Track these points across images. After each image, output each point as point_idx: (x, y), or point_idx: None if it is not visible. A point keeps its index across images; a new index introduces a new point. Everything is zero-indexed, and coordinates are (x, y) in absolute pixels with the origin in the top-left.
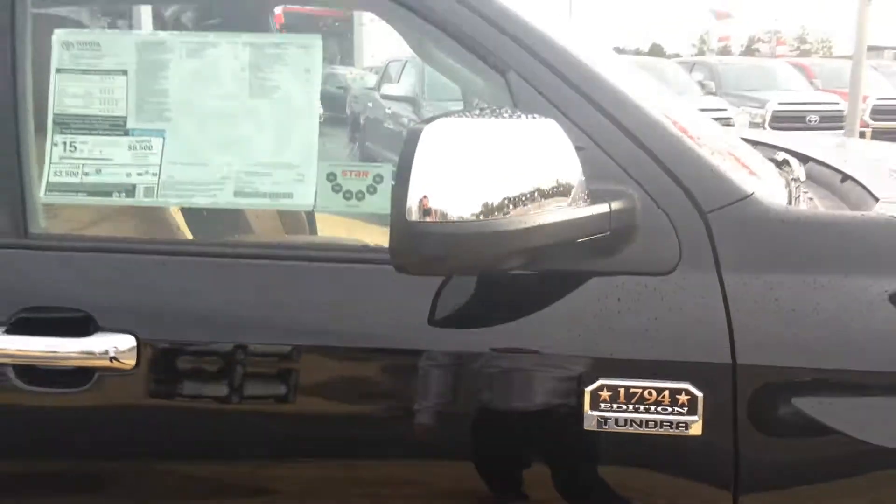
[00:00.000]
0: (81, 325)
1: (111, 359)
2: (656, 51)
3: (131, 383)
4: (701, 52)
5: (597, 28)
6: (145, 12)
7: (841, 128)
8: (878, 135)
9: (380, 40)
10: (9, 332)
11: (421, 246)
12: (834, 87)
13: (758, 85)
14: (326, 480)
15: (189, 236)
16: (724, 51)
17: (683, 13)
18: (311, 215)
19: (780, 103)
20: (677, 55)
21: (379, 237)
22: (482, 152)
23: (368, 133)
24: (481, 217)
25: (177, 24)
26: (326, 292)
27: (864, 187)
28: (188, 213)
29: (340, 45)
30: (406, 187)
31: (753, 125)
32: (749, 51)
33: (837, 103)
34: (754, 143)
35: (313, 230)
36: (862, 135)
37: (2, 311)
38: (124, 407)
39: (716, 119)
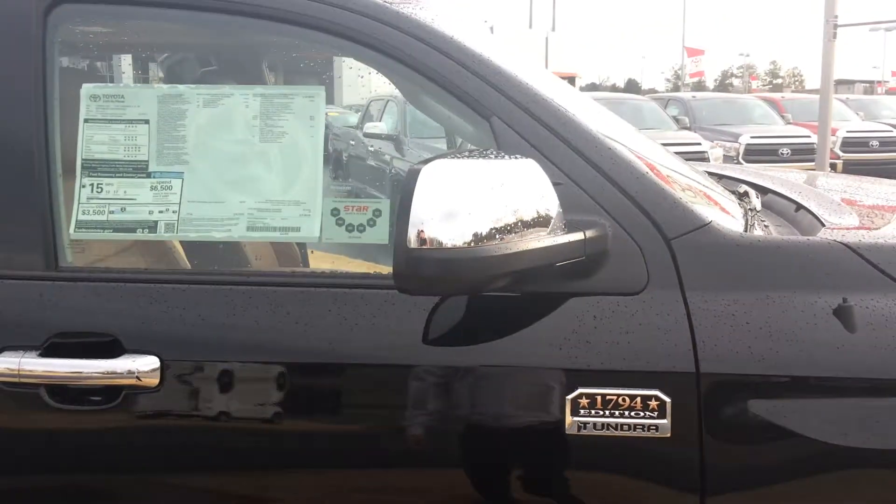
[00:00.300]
0: (109, 348)
1: (136, 378)
2: (632, 86)
3: (155, 401)
4: (676, 88)
5: (574, 65)
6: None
7: (812, 160)
8: (849, 166)
9: (361, 79)
10: (42, 355)
11: (419, 269)
12: (805, 120)
13: (731, 119)
14: (333, 488)
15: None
16: (699, 86)
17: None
18: (303, 249)
19: (752, 137)
20: (653, 90)
21: (376, 267)
22: (471, 189)
23: (351, 171)
24: (472, 244)
25: (176, 71)
26: (332, 315)
27: (815, 215)
28: (189, 247)
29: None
30: (407, 219)
31: (728, 158)
32: (723, 85)
33: (808, 136)
34: (719, 177)
35: (305, 262)
36: (833, 167)
37: (35, 336)
38: (149, 423)
39: (690, 153)
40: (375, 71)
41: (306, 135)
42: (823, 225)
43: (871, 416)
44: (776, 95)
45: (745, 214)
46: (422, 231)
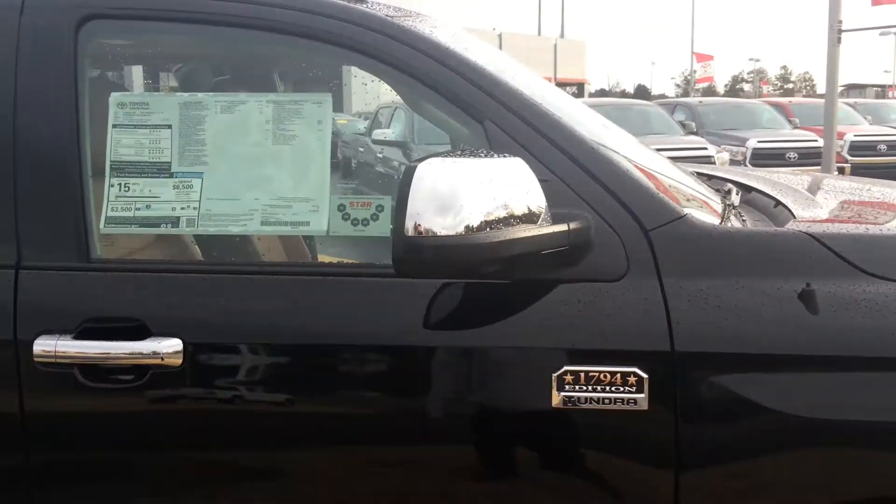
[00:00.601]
0: (136, 332)
1: (161, 358)
2: (642, 92)
3: (179, 379)
4: (685, 93)
5: (583, 71)
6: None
7: (819, 164)
8: (857, 170)
9: (367, 87)
10: (75, 338)
11: (416, 255)
12: (813, 125)
13: (738, 124)
14: (341, 461)
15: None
16: (709, 91)
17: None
18: (310, 244)
19: (759, 141)
20: (663, 95)
21: (381, 258)
22: (463, 184)
23: (360, 176)
24: (463, 233)
25: (189, 80)
26: (338, 301)
27: (789, 210)
28: (206, 241)
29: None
30: (405, 211)
31: (735, 163)
32: (733, 90)
33: (815, 140)
34: (709, 177)
35: (313, 255)
36: (841, 170)
37: (70, 321)
38: (173, 399)
39: (696, 157)
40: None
41: (315, 137)
42: (794, 218)
43: (832, 390)
44: (784, 100)
45: (724, 209)
46: (418, 222)
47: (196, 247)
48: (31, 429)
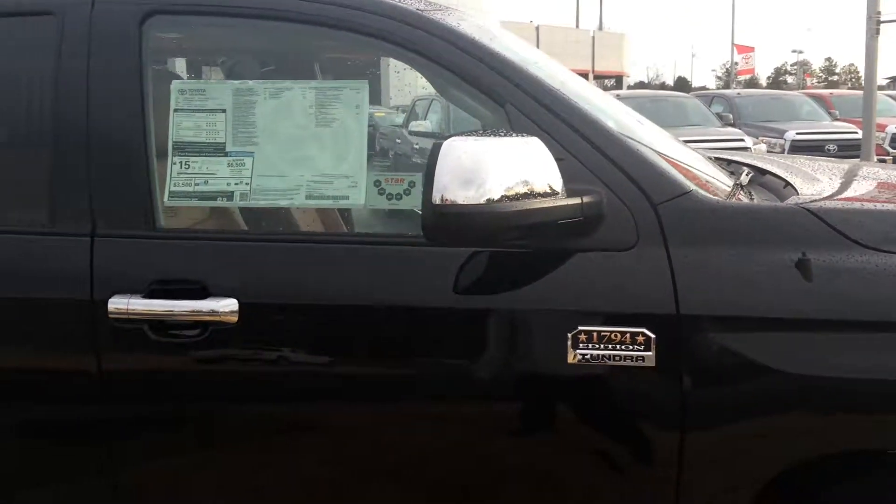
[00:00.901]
0: (198, 292)
1: (219, 316)
2: (682, 84)
3: (235, 335)
4: (726, 85)
5: (621, 64)
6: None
7: (858, 156)
8: None
9: (404, 80)
10: (145, 297)
11: (443, 223)
12: (855, 117)
13: (776, 116)
14: (372, 414)
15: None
16: (751, 83)
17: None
18: (346, 217)
19: (798, 133)
20: (704, 87)
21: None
22: (485, 161)
23: (397, 167)
24: (484, 203)
25: (235, 71)
26: (375, 267)
27: (795, 189)
28: (246, 213)
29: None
30: (432, 184)
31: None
32: (776, 83)
33: (855, 132)
34: (728, 161)
35: (348, 226)
36: (882, 162)
37: (139, 283)
38: (230, 352)
39: (733, 149)
40: (415, 71)
41: (353, 120)
42: (798, 195)
43: (825, 350)
44: (825, 92)
45: (732, 187)
46: (444, 194)
47: (241, 218)
48: (105, 380)
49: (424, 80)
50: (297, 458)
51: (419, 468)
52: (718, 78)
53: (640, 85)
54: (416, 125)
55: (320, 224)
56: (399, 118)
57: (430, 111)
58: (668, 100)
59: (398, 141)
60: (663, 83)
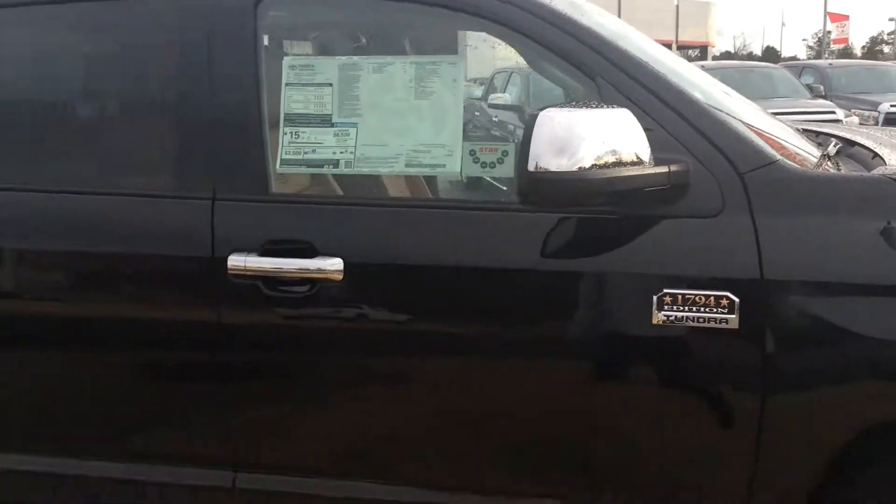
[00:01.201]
0: (307, 251)
1: (326, 274)
2: (771, 55)
3: (340, 291)
4: (818, 56)
5: (707, 33)
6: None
7: None
8: None
9: (484, 53)
10: (260, 255)
11: (537, 188)
12: None
13: (870, 88)
14: (463, 369)
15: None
16: (845, 53)
17: (799, 16)
18: (432, 182)
19: (892, 105)
20: (794, 58)
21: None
22: (577, 130)
23: (476, 139)
24: (576, 169)
25: (326, 47)
26: (469, 231)
27: (883, 160)
28: (341, 179)
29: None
30: (528, 151)
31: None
32: (871, 52)
33: None
34: (816, 133)
35: (434, 192)
36: None
37: (254, 242)
38: (334, 308)
39: (824, 121)
40: (499, 45)
41: (450, 93)
42: (886, 165)
43: None
44: None
45: (820, 158)
46: (538, 162)
47: (337, 185)
48: (224, 330)
49: (500, 54)
50: (389, 408)
51: (503, 423)
52: (809, 48)
53: (727, 55)
54: (495, 98)
55: (406, 189)
56: (477, 91)
57: (509, 84)
58: (755, 70)
59: (477, 113)
60: (751, 53)
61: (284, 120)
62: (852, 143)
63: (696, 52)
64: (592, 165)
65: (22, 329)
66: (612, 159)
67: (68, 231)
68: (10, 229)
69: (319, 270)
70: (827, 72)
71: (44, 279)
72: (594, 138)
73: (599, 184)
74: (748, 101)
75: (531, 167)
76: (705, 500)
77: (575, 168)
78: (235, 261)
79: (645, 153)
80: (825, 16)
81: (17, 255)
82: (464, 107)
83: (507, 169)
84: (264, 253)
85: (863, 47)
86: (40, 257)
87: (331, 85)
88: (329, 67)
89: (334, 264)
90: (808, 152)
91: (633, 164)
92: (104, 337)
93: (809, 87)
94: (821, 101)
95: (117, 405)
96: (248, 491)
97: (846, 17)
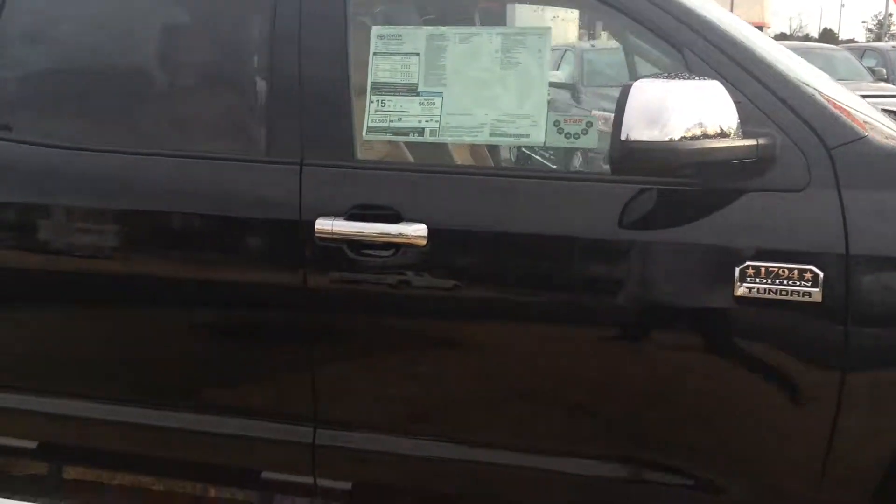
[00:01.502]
0: (392, 217)
1: (410, 239)
2: (828, 36)
3: (424, 256)
4: (878, 38)
5: (762, 13)
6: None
7: None
8: None
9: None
10: (346, 220)
11: (628, 157)
12: None
13: None
14: (540, 337)
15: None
16: None
17: None
18: (495, 152)
19: None
20: (852, 40)
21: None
22: (668, 101)
23: None
24: (667, 141)
25: (391, 19)
26: (557, 200)
27: None
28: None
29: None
30: (620, 121)
31: None
32: None
33: None
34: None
35: (496, 163)
36: None
37: (341, 207)
38: (419, 273)
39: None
40: (552, 22)
41: (535, 64)
42: None
43: None
44: None
45: None
46: (630, 131)
47: (408, 152)
48: (310, 291)
49: (552, 33)
50: (466, 371)
51: (580, 391)
52: (869, 30)
53: (782, 37)
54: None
55: (469, 158)
56: None
57: (562, 62)
58: (815, 52)
59: None
60: (807, 35)
61: (371, 88)
62: None
63: (745, 24)
64: (682, 136)
65: (114, 289)
66: (701, 131)
67: (158, 193)
68: (106, 190)
69: (404, 235)
70: (890, 55)
71: (134, 240)
72: (685, 110)
73: (689, 154)
74: (830, 77)
75: (623, 136)
76: (778, 475)
77: (666, 139)
78: (322, 224)
79: (733, 125)
80: None
81: (110, 215)
82: None
83: (591, 140)
84: (350, 217)
85: None
86: (129, 218)
87: (417, 54)
88: (416, 37)
89: (418, 230)
90: (893, 129)
91: (721, 136)
92: (193, 297)
93: (871, 70)
94: (883, 84)
95: (204, 362)
96: (327, 447)
97: None
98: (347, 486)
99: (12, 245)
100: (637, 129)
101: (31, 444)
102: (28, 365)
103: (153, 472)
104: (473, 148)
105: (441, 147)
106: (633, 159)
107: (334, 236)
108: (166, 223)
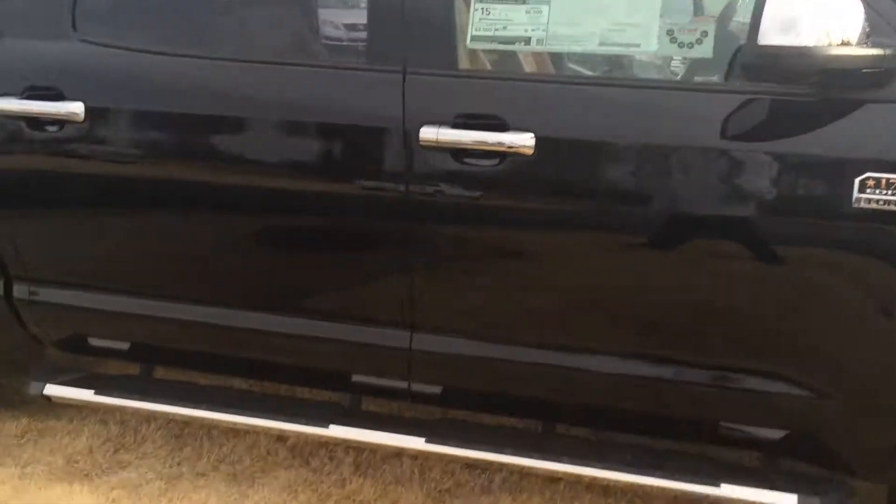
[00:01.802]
0: (499, 126)
1: (517, 148)
2: None
3: (529, 165)
4: None
5: None
6: None
7: None
8: None
9: None
10: (451, 128)
11: (762, 60)
12: None
13: None
14: (644, 249)
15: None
16: None
17: None
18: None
19: None
20: None
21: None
22: (802, 10)
23: None
24: (801, 46)
25: None
26: (668, 110)
27: None
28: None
29: None
30: (757, 26)
31: None
32: None
33: None
34: None
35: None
36: None
37: (445, 116)
38: (523, 182)
39: None
40: None
41: None
42: None
43: None
44: None
45: None
46: (765, 37)
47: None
48: (411, 199)
49: None
50: (563, 282)
51: (687, 302)
52: None
53: None
54: None
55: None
56: None
57: None
58: None
59: None
60: None
61: None
62: None
63: None
64: (814, 42)
65: (218, 197)
66: (832, 38)
67: (264, 101)
68: (214, 96)
69: (511, 144)
70: None
71: (237, 147)
72: (819, 17)
73: (821, 60)
74: None
75: (760, 41)
76: (881, 386)
77: (800, 44)
78: (427, 132)
79: (863, 35)
80: None
81: (216, 121)
82: None
83: (706, 49)
84: (455, 126)
85: None
86: (233, 125)
87: None
88: None
89: (526, 138)
90: None
91: (851, 44)
92: (295, 204)
93: None
94: None
95: (304, 267)
96: (422, 352)
97: None
98: (437, 389)
99: (114, 152)
100: (771, 34)
101: (124, 346)
102: (125, 268)
103: (243, 374)
104: (538, 59)
105: (510, 56)
106: (766, 65)
107: (439, 144)
108: (269, 131)
